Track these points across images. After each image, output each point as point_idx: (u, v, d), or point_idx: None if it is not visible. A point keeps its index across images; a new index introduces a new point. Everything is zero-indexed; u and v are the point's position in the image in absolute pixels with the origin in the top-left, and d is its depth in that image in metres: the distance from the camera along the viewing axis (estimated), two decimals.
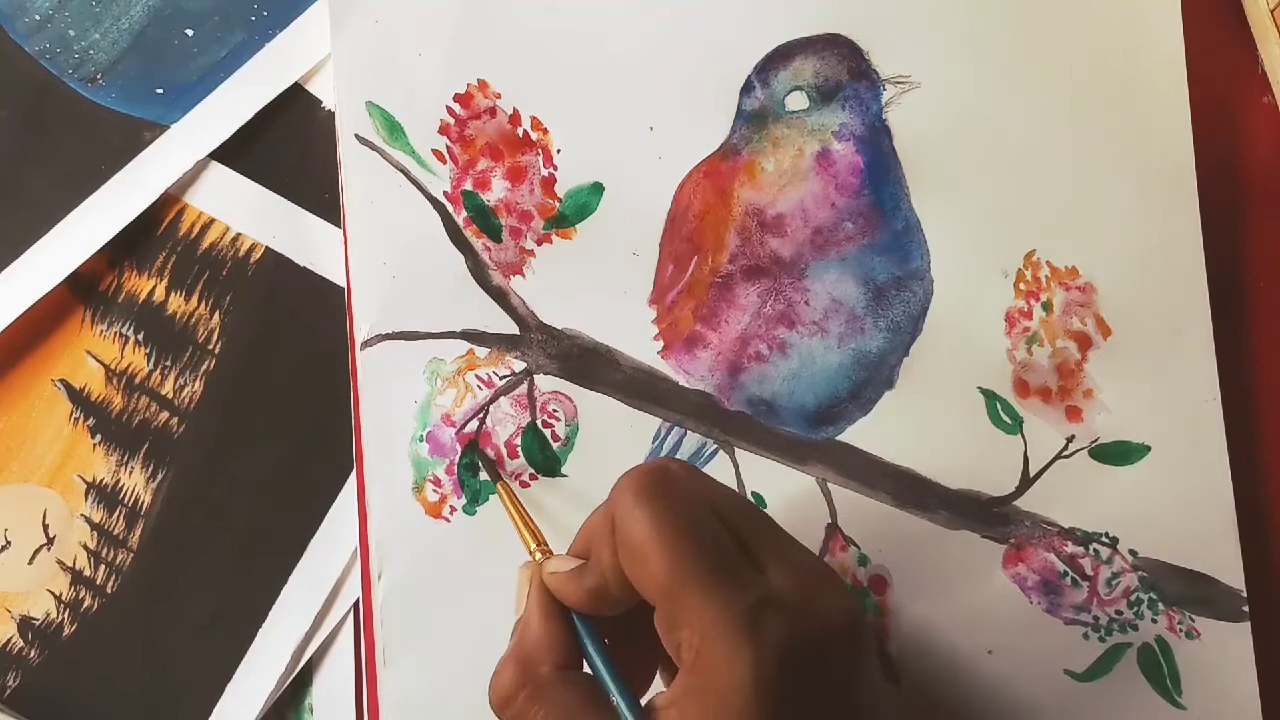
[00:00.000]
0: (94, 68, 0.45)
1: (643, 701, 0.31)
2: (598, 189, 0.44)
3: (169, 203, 0.45)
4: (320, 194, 0.45)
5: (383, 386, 0.44)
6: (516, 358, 0.44)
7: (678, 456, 0.44)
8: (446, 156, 0.44)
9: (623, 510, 0.31)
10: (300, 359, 0.45)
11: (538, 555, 0.36)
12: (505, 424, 0.44)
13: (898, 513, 0.44)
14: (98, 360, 0.45)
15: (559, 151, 0.44)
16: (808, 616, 0.30)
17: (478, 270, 0.44)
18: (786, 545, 0.32)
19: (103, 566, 0.44)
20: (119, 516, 0.44)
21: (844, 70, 0.44)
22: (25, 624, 0.44)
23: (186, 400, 0.45)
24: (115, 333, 0.45)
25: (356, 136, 0.44)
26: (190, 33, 0.45)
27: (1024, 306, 0.44)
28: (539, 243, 0.44)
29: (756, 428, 0.44)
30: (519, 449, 0.44)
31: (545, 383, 0.44)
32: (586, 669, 0.33)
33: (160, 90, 0.45)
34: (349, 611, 0.44)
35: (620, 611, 0.33)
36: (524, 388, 0.44)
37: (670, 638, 0.30)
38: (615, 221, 0.44)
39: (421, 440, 0.44)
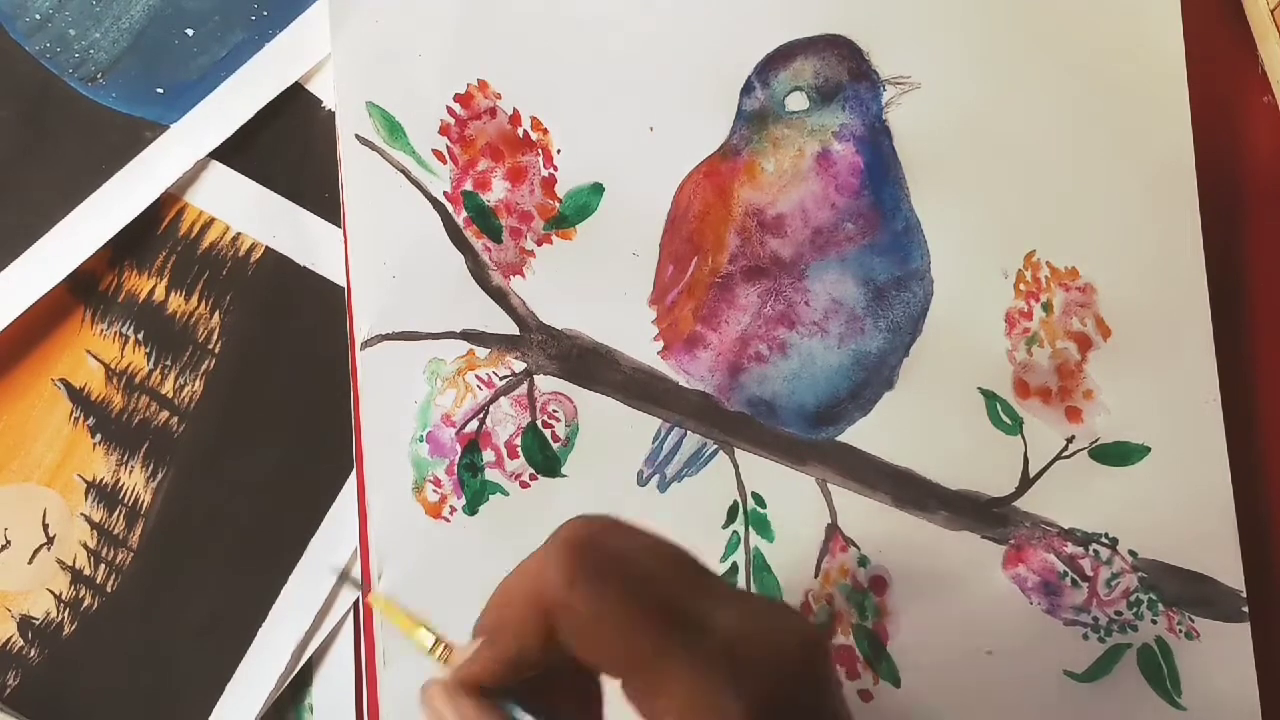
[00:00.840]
0: (94, 67, 0.45)
1: None
2: (598, 189, 0.44)
3: (169, 202, 0.45)
4: (320, 194, 0.45)
5: (383, 386, 0.44)
6: (516, 358, 0.44)
7: (678, 456, 0.44)
8: (447, 157, 0.44)
9: (559, 596, 0.29)
10: (300, 359, 0.45)
11: (438, 651, 0.34)
12: (505, 424, 0.44)
13: (898, 513, 0.44)
14: (98, 360, 0.45)
15: (559, 152, 0.44)
16: (773, 651, 0.29)
17: (478, 270, 0.44)
18: (724, 587, 0.32)
19: (103, 566, 0.44)
20: (119, 516, 0.44)
21: (844, 71, 0.44)
22: (25, 623, 0.44)
23: (186, 400, 0.45)
24: (115, 332, 0.45)
25: (356, 136, 0.44)
26: (190, 32, 0.45)
27: (1024, 307, 0.44)
28: (539, 243, 0.44)
29: (756, 428, 0.44)
30: (519, 449, 0.44)
31: (545, 383, 0.44)
32: None
33: (160, 90, 0.45)
34: (349, 611, 0.44)
35: (530, 675, 0.32)
36: (524, 388, 0.44)
37: (646, 705, 0.29)
38: (615, 222, 0.44)
39: (421, 440, 0.44)
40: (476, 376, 0.44)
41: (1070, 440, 0.44)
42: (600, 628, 0.29)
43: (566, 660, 0.30)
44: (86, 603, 0.44)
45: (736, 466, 0.44)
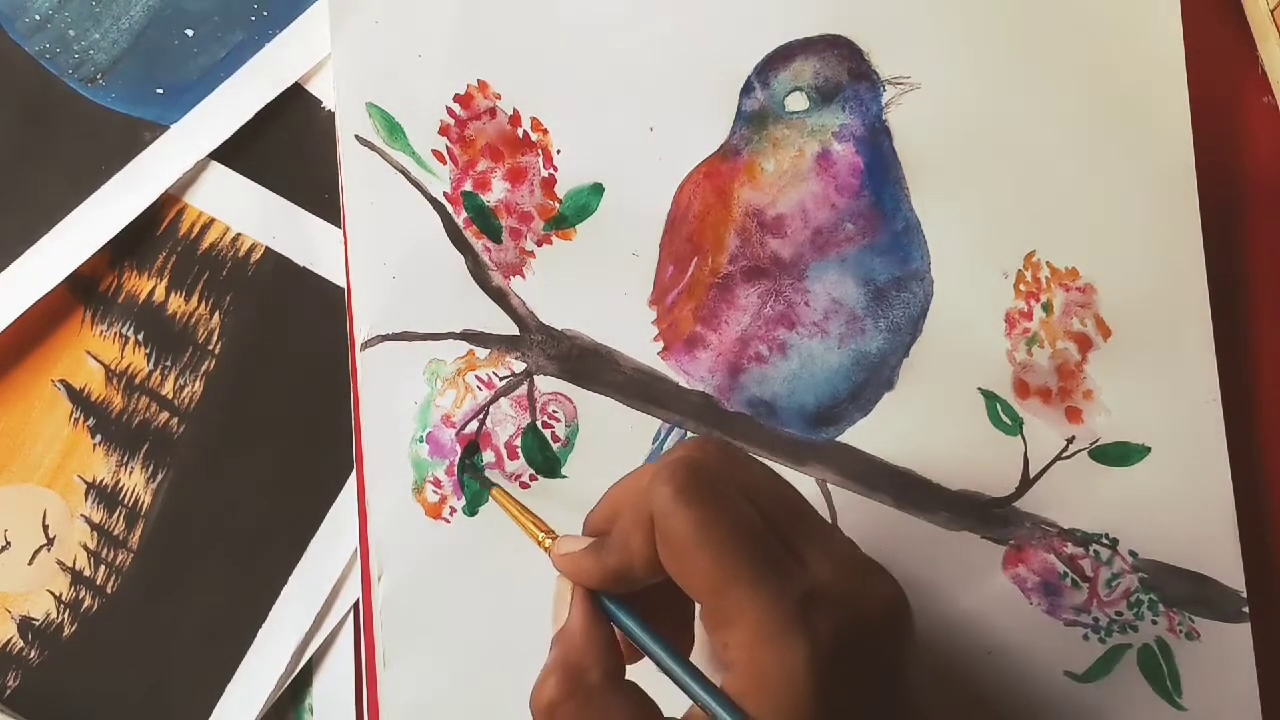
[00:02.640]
0: (94, 68, 0.45)
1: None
2: (598, 190, 0.44)
3: (169, 203, 0.45)
4: (320, 194, 0.45)
5: (383, 387, 0.44)
6: (516, 358, 0.44)
7: None
8: (446, 157, 0.44)
9: (663, 507, 0.30)
10: (300, 359, 0.45)
11: (546, 541, 0.35)
12: (505, 425, 0.44)
13: (898, 513, 0.44)
14: (98, 360, 0.45)
15: (559, 152, 0.44)
16: (853, 606, 0.29)
17: (478, 271, 0.44)
18: (824, 532, 0.32)
19: (103, 567, 0.44)
20: (119, 517, 0.44)
21: (844, 71, 0.44)
22: (25, 624, 0.44)
23: (186, 400, 0.45)
24: (115, 333, 0.45)
25: (356, 137, 0.44)
26: (190, 33, 0.45)
27: (1024, 307, 0.44)
28: (539, 243, 0.44)
29: (756, 428, 0.44)
30: (519, 450, 0.44)
31: (545, 383, 0.44)
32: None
33: (160, 90, 0.45)
34: (349, 612, 0.44)
35: (635, 589, 0.32)
36: (524, 388, 0.44)
37: (717, 635, 0.30)
38: (615, 222, 0.44)
39: (421, 441, 0.44)
40: (476, 377, 0.44)
41: (1070, 441, 0.44)
42: (694, 547, 0.29)
43: (670, 584, 0.31)
44: (86, 604, 0.44)
45: None
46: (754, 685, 0.28)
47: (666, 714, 0.31)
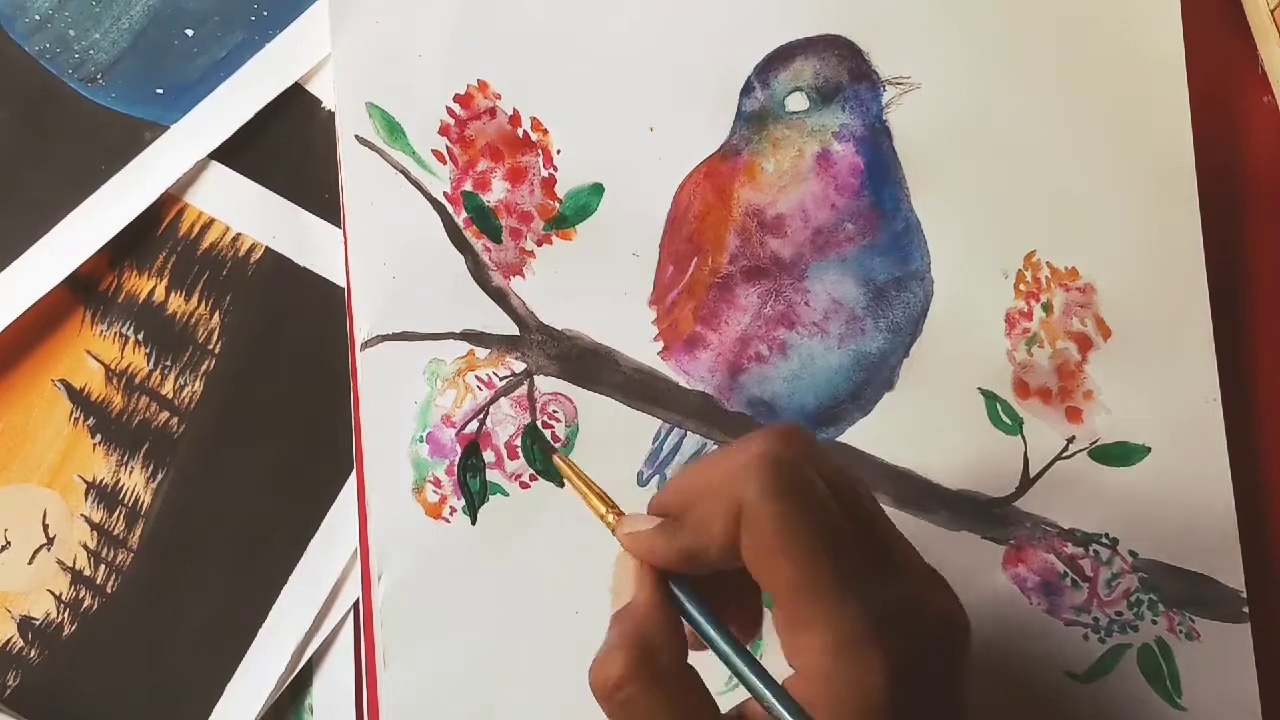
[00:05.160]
0: (94, 68, 0.45)
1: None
2: (598, 190, 0.44)
3: (169, 202, 0.45)
4: (320, 194, 0.45)
5: (383, 387, 0.44)
6: (516, 358, 0.44)
7: (678, 457, 0.44)
8: (446, 157, 0.44)
9: (754, 499, 0.29)
10: (300, 359, 0.45)
11: (610, 518, 0.34)
12: (505, 425, 0.44)
13: (898, 513, 0.44)
14: (98, 360, 0.45)
15: (559, 152, 0.44)
16: (925, 622, 0.30)
17: (478, 271, 0.44)
18: (896, 539, 0.32)
19: (103, 566, 0.44)
20: (119, 516, 0.44)
21: (844, 71, 0.44)
22: (25, 624, 0.44)
23: (186, 400, 0.45)
24: (115, 333, 0.45)
25: (356, 137, 0.44)
26: (190, 33, 0.45)
27: (1024, 307, 0.44)
28: (539, 243, 0.44)
29: (757, 429, 0.44)
30: (519, 450, 0.44)
31: (545, 383, 0.44)
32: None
33: (160, 90, 0.45)
34: (349, 612, 0.44)
35: (701, 574, 0.32)
36: (524, 389, 0.44)
37: (791, 638, 0.29)
38: (615, 222, 0.44)
39: (422, 441, 0.44)
40: (476, 377, 0.44)
41: (1070, 440, 0.44)
42: (781, 546, 0.29)
43: (738, 572, 0.30)
44: (86, 603, 0.44)
45: None
46: (826, 694, 0.28)
47: None
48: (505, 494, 0.44)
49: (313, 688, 0.44)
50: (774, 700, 0.29)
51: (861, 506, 0.31)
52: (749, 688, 0.29)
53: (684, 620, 0.31)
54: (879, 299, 0.44)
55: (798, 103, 0.44)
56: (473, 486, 0.44)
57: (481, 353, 0.44)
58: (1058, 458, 0.44)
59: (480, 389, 0.44)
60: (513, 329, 0.44)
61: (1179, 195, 0.44)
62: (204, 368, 0.45)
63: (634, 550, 0.32)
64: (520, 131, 0.44)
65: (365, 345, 0.44)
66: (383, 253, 0.44)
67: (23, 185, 0.45)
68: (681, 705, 0.30)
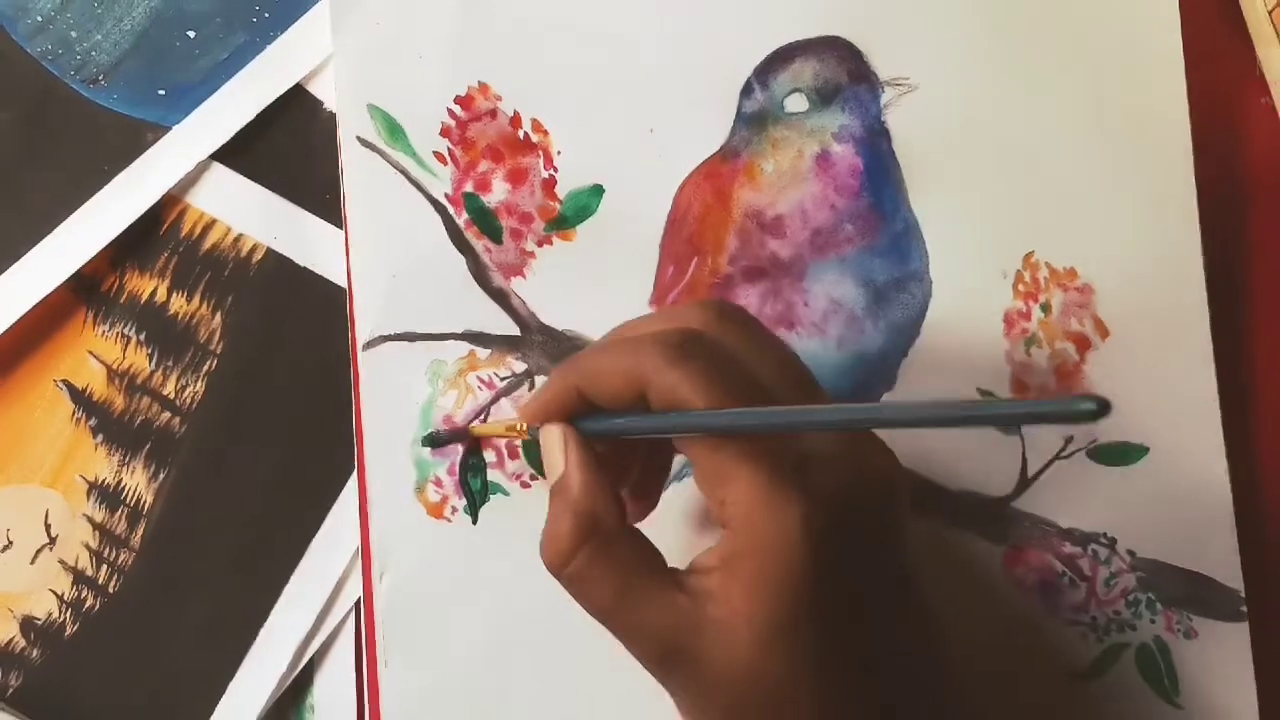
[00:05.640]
0: (96, 69, 0.45)
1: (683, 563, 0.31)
2: (598, 191, 0.44)
3: (171, 203, 0.45)
4: (322, 195, 0.45)
5: (384, 388, 0.44)
6: (517, 359, 0.44)
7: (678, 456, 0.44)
8: (447, 158, 0.44)
9: (657, 366, 0.29)
10: (302, 360, 0.45)
11: (519, 426, 0.35)
12: None
13: None
14: (100, 360, 0.45)
15: (559, 153, 0.44)
16: (850, 469, 0.29)
17: (479, 272, 0.44)
18: (828, 399, 0.32)
19: (105, 566, 0.44)
20: (121, 516, 0.45)
21: (843, 72, 0.44)
22: (27, 624, 0.44)
23: (188, 400, 0.45)
24: (117, 333, 0.45)
25: (358, 138, 0.44)
26: (192, 34, 0.46)
27: (1022, 308, 0.44)
28: (539, 244, 0.44)
29: None
30: (519, 450, 0.44)
31: None
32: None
33: (162, 91, 0.45)
34: (350, 611, 0.44)
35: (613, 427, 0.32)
36: (525, 389, 0.44)
37: (714, 494, 0.29)
38: (615, 223, 0.44)
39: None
40: (478, 377, 0.44)
41: (1069, 440, 0.44)
42: (692, 404, 0.29)
43: (650, 444, 0.31)
44: (88, 603, 0.44)
45: None
46: (750, 542, 0.28)
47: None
48: (506, 494, 0.44)
49: (314, 687, 0.44)
50: (716, 421, 0.29)
51: (786, 368, 0.31)
52: (681, 431, 0.30)
53: (615, 448, 0.33)
54: (878, 299, 0.44)
55: (797, 104, 0.44)
56: (474, 486, 0.44)
57: (483, 353, 0.44)
58: (1056, 457, 0.44)
59: (481, 389, 0.44)
60: (514, 330, 0.44)
61: (1177, 196, 0.44)
62: (206, 368, 0.45)
63: (535, 409, 0.32)
64: (521, 133, 0.45)
65: (367, 346, 0.44)
66: (384, 253, 0.44)
67: (24, 186, 0.45)
68: (632, 561, 0.30)
